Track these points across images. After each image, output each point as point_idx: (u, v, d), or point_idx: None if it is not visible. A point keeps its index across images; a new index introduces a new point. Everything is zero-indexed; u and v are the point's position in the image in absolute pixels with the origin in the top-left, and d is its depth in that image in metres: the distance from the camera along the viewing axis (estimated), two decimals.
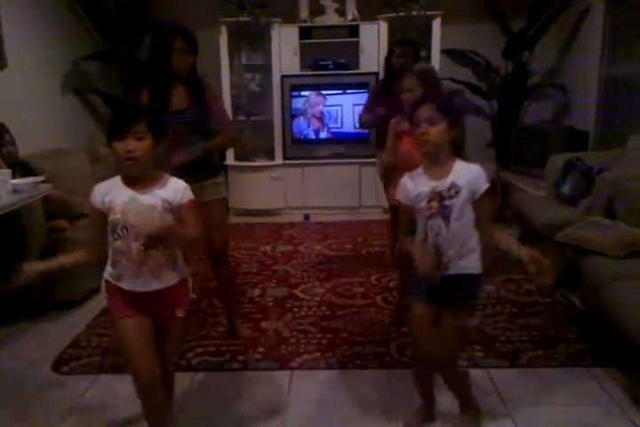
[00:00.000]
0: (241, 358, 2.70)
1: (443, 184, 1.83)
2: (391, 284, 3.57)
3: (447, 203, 1.82)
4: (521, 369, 2.55)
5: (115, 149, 1.68)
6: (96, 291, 3.46)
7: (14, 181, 2.94)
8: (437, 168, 1.88)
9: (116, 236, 1.73)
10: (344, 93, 5.25)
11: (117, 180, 1.76)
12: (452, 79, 5.25)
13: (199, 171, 2.57)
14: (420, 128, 1.83)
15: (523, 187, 4.51)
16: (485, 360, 2.62)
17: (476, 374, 2.51)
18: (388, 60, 3.67)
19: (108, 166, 4.42)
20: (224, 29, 5.13)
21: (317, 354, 2.72)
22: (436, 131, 1.83)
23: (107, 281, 1.83)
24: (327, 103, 5.28)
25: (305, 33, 5.18)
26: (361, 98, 5.05)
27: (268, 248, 4.40)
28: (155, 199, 1.72)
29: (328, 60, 5.24)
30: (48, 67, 4.50)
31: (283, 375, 2.54)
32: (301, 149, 5.35)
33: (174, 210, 1.74)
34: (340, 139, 5.34)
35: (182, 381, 2.50)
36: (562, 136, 4.71)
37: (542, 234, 3.51)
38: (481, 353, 2.68)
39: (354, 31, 5.15)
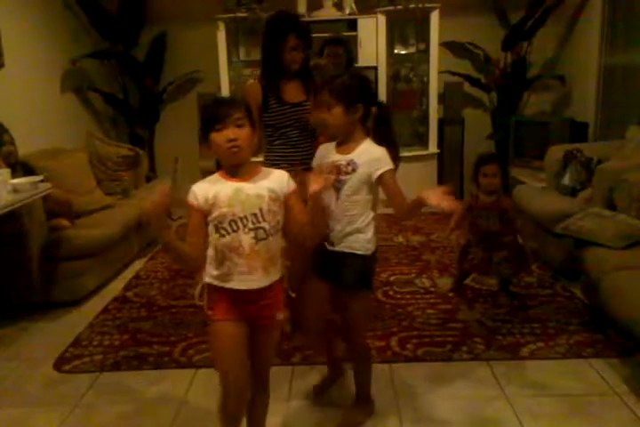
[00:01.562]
0: None
1: (343, 159, 1.91)
2: (392, 278, 3.56)
3: (342, 177, 1.89)
4: (522, 361, 2.55)
5: (215, 141, 1.62)
6: (97, 290, 3.50)
7: (14, 181, 2.94)
8: (345, 144, 1.95)
9: (224, 232, 1.64)
10: None
11: (215, 176, 1.69)
12: (451, 72, 5.24)
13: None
14: (318, 113, 1.93)
15: (523, 179, 4.49)
16: (486, 353, 2.62)
17: (477, 366, 2.53)
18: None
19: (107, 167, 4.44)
20: (222, 25, 5.10)
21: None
22: (332, 114, 1.89)
23: (209, 285, 1.71)
24: None
25: None
26: None
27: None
28: (260, 189, 1.65)
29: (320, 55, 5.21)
30: (46, 66, 4.50)
31: (284, 371, 2.55)
32: None
33: (281, 199, 1.69)
34: None
35: (183, 377, 2.52)
36: (561, 127, 4.70)
37: (543, 226, 3.50)
38: (482, 346, 2.68)
39: (352, 25, 5.12)
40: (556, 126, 4.73)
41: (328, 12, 5.20)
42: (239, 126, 1.62)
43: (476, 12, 5.39)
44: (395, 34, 5.35)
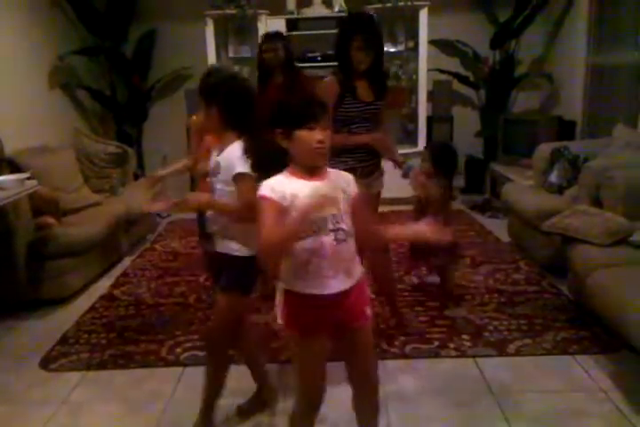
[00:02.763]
0: (230, 352, 2.69)
1: (213, 161, 1.96)
2: None
3: (213, 178, 1.96)
4: (508, 358, 2.57)
5: (302, 138, 1.57)
6: (84, 288, 3.48)
7: (0, 178, 2.92)
8: (220, 146, 1.97)
9: (303, 234, 1.55)
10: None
11: (286, 175, 1.61)
12: (440, 70, 5.25)
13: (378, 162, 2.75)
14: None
15: (511, 176, 4.52)
16: (473, 349, 2.64)
17: (464, 363, 2.54)
18: (259, 57, 3.54)
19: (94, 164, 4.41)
20: (210, 22, 5.08)
21: None
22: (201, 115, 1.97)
23: (288, 292, 1.63)
24: None
25: (292, 25, 5.14)
26: None
27: None
28: (335, 189, 1.59)
29: (316, 52, 5.21)
30: (34, 62, 4.45)
31: (272, 369, 2.54)
32: None
33: (350, 201, 1.63)
34: None
35: (171, 375, 2.51)
36: (550, 125, 4.73)
37: (530, 223, 3.53)
38: (469, 342, 2.69)
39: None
40: (543, 124, 4.76)
41: (317, 10, 5.20)
42: (324, 129, 1.58)
43: (464, 9, 5.41)
44: (384, 31, 5.34)
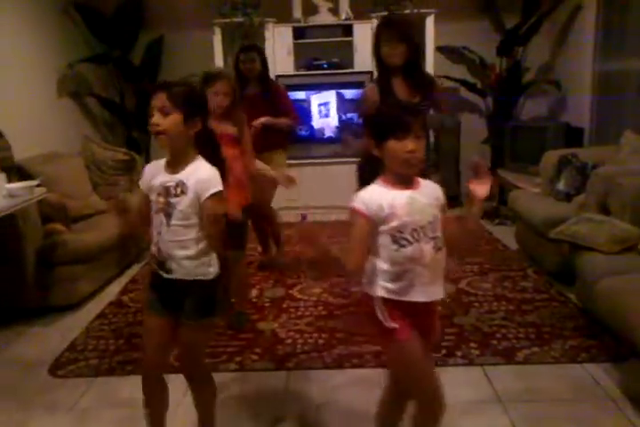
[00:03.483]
0: (237, 359, 2.70)
1: (172, 180, 1.73)
2: None
3: (172, 200, 1.72)
4: (517, 366, 2.56)
5: (392, 148, 1.56)
6: (93, 295, 3.49)
7: (9, 186, 2.95)
8: (175, 162, 1.76)
9: (404, 242, 1.56)
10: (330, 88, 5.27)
11: (379, 184, 1.61)
12: (447, 77, 5.26)
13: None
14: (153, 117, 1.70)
15: (519, 184, 4.51)
16: (481, 358, 2.63)
17: (471, 371, 2.53)
18: (236, 67, 3.66)
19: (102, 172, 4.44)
20: (218, 30, 5.12)
21: (314, 354, 2.72)
22: (168, 121, 1.69)
23: (384, 299, 1.61)
24: (323, 102, 5.29)
25: (299, 33, 5.17)
26: (356, 96, 5.08)
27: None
28: (429, 197, 1.61)
29: (322, 60, 5.24)
30: (43, 70, 4.50)
31: (279, 376, 2.55)
32: (298, 148, 5.34)
33: (440, 208, 1.64)
34: (335, 137, 5.35)
35: (179, 382, 2.51)
36: (557, 132, 4.72)
37: (538, 230, 3.52)
38: (477, 351, 2.68)
39: (347, 30, 5.14)
40: (551, 131, 4.74)
41: (323, 18, 5.22)
42: (418, 138, 1.56)
43: (471, 17, 5.42)
44: None
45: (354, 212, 1.57)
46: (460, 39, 5.37)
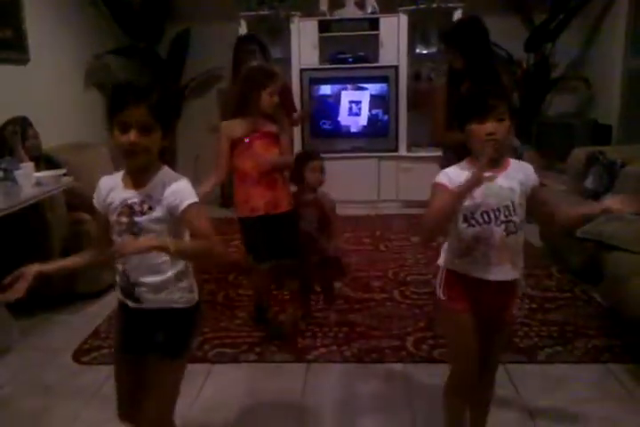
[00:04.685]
0: (257, 350, 2.72)
1: (136, 196, 1.49)
2: (409, 278, 3.56)
3: (138, 219, 1.48)
4: (539, 365, 2.53)
5: (472, 132, 1.60)
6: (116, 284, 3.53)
7: (37, 174, 2.99)
8: (138, 175, 1.50)
9: (474, 222, 1.62)
10: (363, 87, 5.24)
11: (463, 166, 1.65)
12: None
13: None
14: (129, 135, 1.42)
15: (545, 181, 4.44)
16: (503, 355, 2.58)
17: None
18: (236, 60, 3.49)
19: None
20: (244, 23, 5.13)
21: (334, 347, 2.73)
22: (151, 140, 1.45)
23: (449, 271, 1.71)
24: (355, 100, 5.27)
25: (324, 26, 5.16)
26: (381, 91, 5.07)
27: None
28: (512, 182, 1.62)
29: (347, 54, 5.22)
30: (70, 61, 4.56)
31: (298, 368, 2.56)
32: (321, 142, 5.35)
33: (528, 193, 1.65)
34: (359, 132, 5.33)
35: (199, 372, 2.54)
36: (585, 129, 4.65)
37: (564, 229, 3.46)
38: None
39: (373, 24, 5.11)
40: (579, 128, 4.68)
41: (350, 11, 5.20)
42: (500, 120, 1.58)
43: (499, 12, 5.33)
44: (416, 33, 5.33)
45: (436, 185, 1.62)
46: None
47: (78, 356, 2.72)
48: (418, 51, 5.38)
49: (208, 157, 5.51)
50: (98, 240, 1.65)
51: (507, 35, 5.30)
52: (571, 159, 4.00)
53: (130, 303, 1.59)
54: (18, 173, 2.85)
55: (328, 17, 5.19)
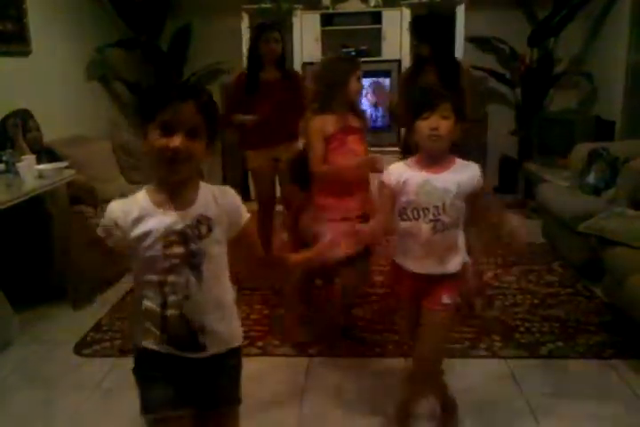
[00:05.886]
0: (259, 343, 2.72)
1: (187, 218, 1.23)
2: None
3: (196, 246, 1.23)
4: (540, 360, 2.53)
5: (418, 128, 1.70)
6: (119, 276, 3.53)
7: (39, 167, 2.99)
8: (176, 193, 1.24)
9: (405, 217, 1.76)
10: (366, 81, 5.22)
11: (407, 162, 1.78)
12: (476, 67, 5.18)
13: None
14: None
15: (546, 176, 4.44)
16: (504, 351, 2.61)
17: (494, 363, 2.51)
18: (254, 48, 3.23)
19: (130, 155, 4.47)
20: (245, 16, 5.11)
21: (335, 341, 2.72)
22: (198, 146, 1.22)
23: (394, 262, 1.87)
24: None
25: (327, 20, 5.13)
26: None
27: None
28: (448, 183, 1.71)
29: (350, 48, 5.19)
30: (72, 54, 4.53)
31: (301, 362, 2.56)
32: None
33: (466, 194, 1.73)
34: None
35: None
36: (587, 125, 4.64)
37: (566, 224, 3.46)
38: (500, 343, 2.66)
39: (376, 18, 5.09)
40: (581, 124, 4.66)
41: (352, 5, 5.18)
42: (444, 117, 1.68)
43: (502, 6, 5.32)
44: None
45: (379, 183, 1.81)
46: (491, 29, 5.28)
47: (80, 349, 2.72)
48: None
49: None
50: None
51: (510, 29, 5.29)
52: (573, 155, 3.99)
53: (190, 355, 1.29)
54: (19, 166, 2.84)
55: (331, 10, 5.16)
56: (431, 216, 1.71)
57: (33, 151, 3.16)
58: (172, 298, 1.23)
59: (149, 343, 1.28)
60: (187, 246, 1.21)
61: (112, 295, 3.32)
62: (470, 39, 5.24)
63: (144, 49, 5.37)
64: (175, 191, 1.23)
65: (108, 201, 3.34)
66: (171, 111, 1.15)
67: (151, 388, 1.30)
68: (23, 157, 2.96)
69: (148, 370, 1.31)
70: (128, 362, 2.53)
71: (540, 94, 5.29)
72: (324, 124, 2.39)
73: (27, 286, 3.20)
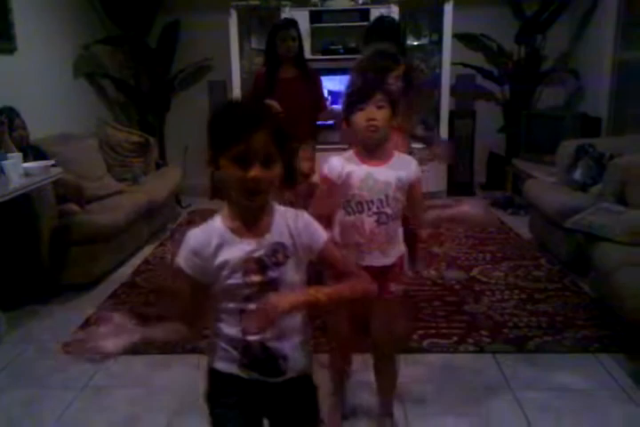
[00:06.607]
0: None
1: (263, 245, 1.19)
2: None
3: (273, 274, 1.20)
4: (528, 355, 2.55)
5: (355, 121, 1.71)
6: (106, 275, 3.52)
7: (25, 165, 2.96)
8: (252, 218, 1.20)
9: (350, 210, 1.76)
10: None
11: (350, 154, 1.78)
12: (464, 64, 5.20)
13: None
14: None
15: (534, 173, 4.47)
16: (492, 346, 2.62)
17: (482, 358, 2.53)
18: (271, 47, 3.28)
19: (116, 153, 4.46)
20: (234, 13, 5.08)
21: (323, 339, 2.72)
22: (274, 174, 1.19)
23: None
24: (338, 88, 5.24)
25: (315, 17, 5.12)
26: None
27: None
28: (389, 176, 1.73)
29: (338, 45, 5.19)
30: (58, 51, 4.50)
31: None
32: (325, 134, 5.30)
33: (405, 187, 1.76)
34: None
35: (190, 362, 2.53)
36: (574, 122, 4.67)
37: (553, 220, 3.49)
38: (488, 338, 2.68)
39: (364, 15, 5.08)
40: (568, 121, 4.70)
41: (341, 2, 5.17)
42: (379, 107, 1.68)
43: (490, 3, 5.35)
44: (407, 24, 5.31)
45: (320, 176, 1.81)
46: (479, 26, 5.30)
47: (68, 347, 2.70)
48: (409, 42, 5.36)
49: (197, 148, 5.54)
50: (189, 315, 1.25)
51: (497, 26, 5.33)
52: (559, 152, 4.02)
53: (269, 380, 1.26)
54: (5, 164, 2.82)
55: (319, 7, 5.16)
56: (375, 209, 1.73)
57: (19, 149, 3.13)
58: (245, 327, 1.20)
59: (227, 367, 1.27)
60: (264, 274, 1.19)
61: (99, 294, 3.31)
62: (458, 36, 5.26)
63: (132, 46, 5.34)
64: (251, 218, 1.20)
65: (94, 199, 3.15)
66: (245, 143, 1.12)
67: (227, 417, 1.28)
68: (9, 155, 2.94)
69: (223, 396, 1.29)
70: (117, 361, 2.56)
71: (528, 91, 5.33)
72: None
73: (14, 284, 3.18)
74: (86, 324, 2.92)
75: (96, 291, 3.35)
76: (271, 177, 1.15)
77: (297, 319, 1.24)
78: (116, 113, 5.49)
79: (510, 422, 2.10)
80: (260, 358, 1.23)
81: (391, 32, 2.99)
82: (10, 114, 3.30)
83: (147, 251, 4.05)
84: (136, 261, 3.85)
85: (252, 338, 1.20)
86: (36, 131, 3.62)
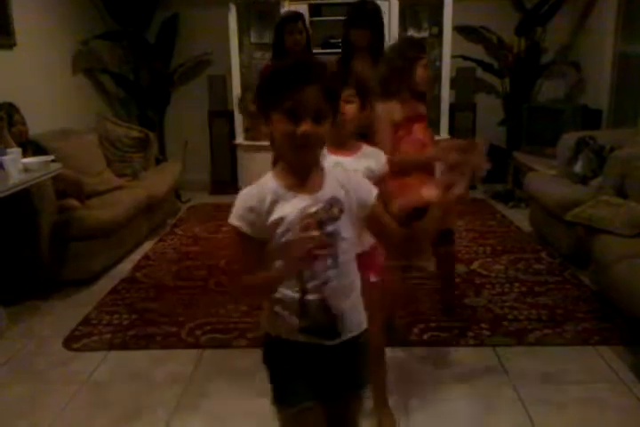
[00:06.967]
0: (249, 335, 2.72)
1: (319, 200, 1.20)
2: None
3: (331, 228, 1.19)
4: (528, 347, 2.56)
5: None
6: (106, 270, 3.52)
7: (25, 160, 2.96)
8: (305, 174, 1.22)
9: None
10: None
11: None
12: (464, 56, 5.18)
13: None
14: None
15: (534, 166, 4.46)
16: (492, 338, 2.63)
17: (483, 351, 2.53)
18: (278, 40, 3.27)
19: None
20: (233, 7, 5.05)
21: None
22: (324, 129, 1.20)
23: None
24: None
25: (315, 10, 5.10)
26: None
27: None
28: (358, 165, 1.67)
29: (338, 38, 5.15)
30: (57, 46, 4.48)
31: None
32: None
33: (376, 178, 1.65)
34: None
35: (191, 357, 2.54)
36: (575, 114, 4.65)
37: (553, 213, 3.48)
38: (488, 331, 2.68)
39: None
40: (569, 113, 4.68)
41: None
42: (347, 102, 1.65)
43: None
44: (407, 17, 5.28)
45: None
46: (479, 18, 5.28)
47: (69, 343, 2.71)
48: (409, 35, 5.33)
49: (196, 143, 5.53)
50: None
51: (498, 18, 5.30)
52: (560, 144, 4.01)
53: (327, 342, 1.26)
54: (5, 159, 2.81)
55: (318, 1, 5.13)
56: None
57: (18, 145, 3.13)
58: (311, 284, 1.21)
59: (284, 332, 1.27)
60: (322, 229, 1.16)
61: (99, 290, 3.31)
62: (458, 29, 5.23)
63: (130, 41, 5.33)
64: (304, 175, 1.21)
65: (94, 194, 3.13)
66: (297, 98, 1.13)
67: (287, 381, 1.29)
68: (9, 150, 2.93)
69: (281, 361, 1.30)
70: (117, 356, 2.57)
71: (528, 84, 5.30)
72: (392, 110, 2.31)
73: (15, 280, 3.19)
74: (87, 320, 2.93)
75: (96, 286, 3.36)
76: (321, 133, 1.15)
77: (352, 277, 1.26)
78: (115, 108, 5.48)
79: (510, 414, 2.10)
80: (319, 318, 1.23)
81: (374, 19, 2.95)
82: (9, 109, 3.30)
83: (146, 246, 4.05)
84: (136, 256, 3.85)
85: (311, 297, 1.21)
86: (36, 126, 3.61)
